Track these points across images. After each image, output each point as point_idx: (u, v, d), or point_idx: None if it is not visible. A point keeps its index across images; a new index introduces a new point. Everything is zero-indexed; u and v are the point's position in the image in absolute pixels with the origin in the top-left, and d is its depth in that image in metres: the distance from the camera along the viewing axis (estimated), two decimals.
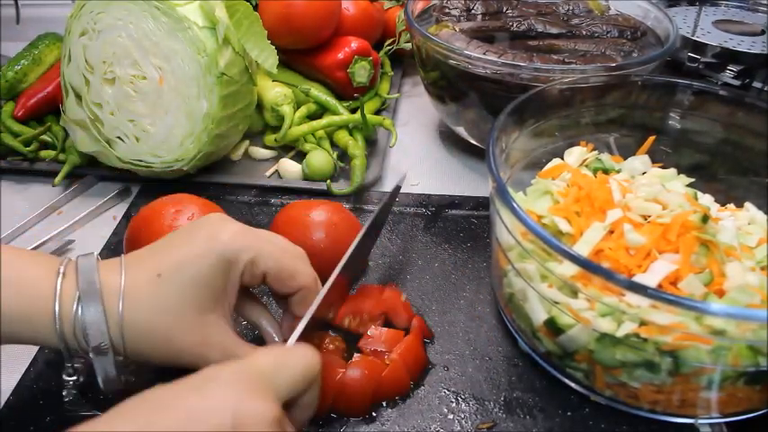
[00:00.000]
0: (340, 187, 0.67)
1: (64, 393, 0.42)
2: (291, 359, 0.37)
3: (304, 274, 0.43)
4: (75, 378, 0.41)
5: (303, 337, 0.42)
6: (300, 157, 0.73)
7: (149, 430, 0.31)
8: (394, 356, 0.47)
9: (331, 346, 0.48)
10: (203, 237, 0.41)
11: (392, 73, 0.90)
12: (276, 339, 0.46)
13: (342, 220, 0.56)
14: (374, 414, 0.45)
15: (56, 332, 0.38)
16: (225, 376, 0.34)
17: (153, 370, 0.46)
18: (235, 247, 0.41)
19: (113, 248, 0.60)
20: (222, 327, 0.41)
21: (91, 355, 0.39)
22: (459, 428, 0.45)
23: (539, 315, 0.45)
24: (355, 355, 0.46)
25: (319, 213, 0.55)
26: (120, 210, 0.67)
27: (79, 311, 0.38)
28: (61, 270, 0.39)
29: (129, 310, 0.39)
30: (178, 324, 0.40)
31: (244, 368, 0.35)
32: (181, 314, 0.40)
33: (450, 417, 0.46)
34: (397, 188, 0.56)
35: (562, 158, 0.57)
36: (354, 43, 0.80)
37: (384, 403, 0.46)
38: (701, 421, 0.45)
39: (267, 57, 0.67)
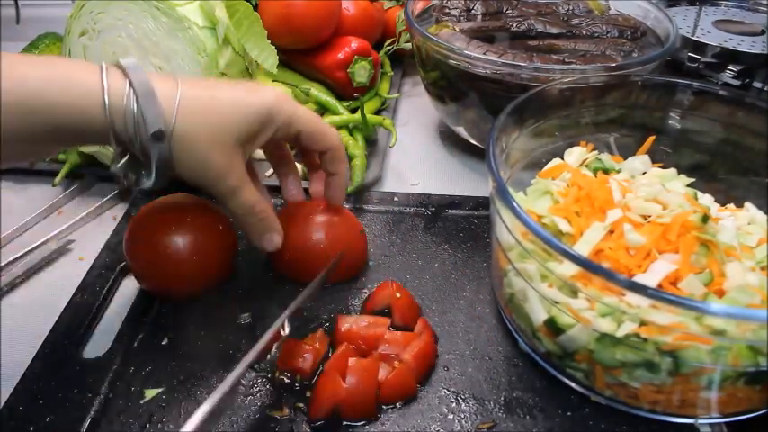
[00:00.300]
0: None
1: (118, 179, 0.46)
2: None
3: (333, 135, 0.52)
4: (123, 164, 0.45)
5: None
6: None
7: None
8: (407, 357, 0.47)
9: (317, 343, 0.48)
10: (255, 90, 0.48)
11: (392, 73, 0.90)
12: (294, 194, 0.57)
13: (342, 220, 0.56)
14: (374, 414, 0.45)
15: (106, 121, 0.41)
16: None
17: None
18: (278, 106, 0.48)
19: (113, 248, 0.59)
20: (243, 162, 0.48)
21: (149, 141, 0.42)
22: (459, 428, 0.45)
23: (539, 315, 0.45)
24: (352, 359, 0.46)
25: (319, 213, 0.55)
26: (120, 210, 0.67)
27: (132, 102, 0.41)
28: (104, 67, 0.42)
29: (183, 113, 0.43)
30: (219, 144, 0.45)
31: None
32: (224, 137, 0.45)
33: (451, 417, 0.46)
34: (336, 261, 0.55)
35: (562, 158, 0.57)
36: (354, 43, 0.80)
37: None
38: (701, 421, 0.45)
39: (267, 57, 0.67)
